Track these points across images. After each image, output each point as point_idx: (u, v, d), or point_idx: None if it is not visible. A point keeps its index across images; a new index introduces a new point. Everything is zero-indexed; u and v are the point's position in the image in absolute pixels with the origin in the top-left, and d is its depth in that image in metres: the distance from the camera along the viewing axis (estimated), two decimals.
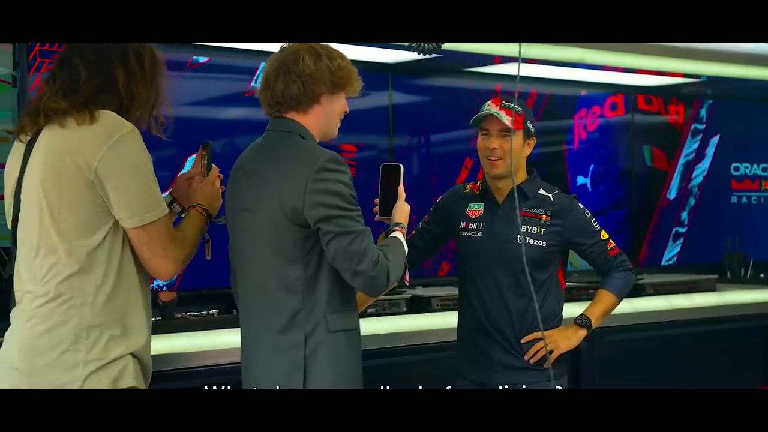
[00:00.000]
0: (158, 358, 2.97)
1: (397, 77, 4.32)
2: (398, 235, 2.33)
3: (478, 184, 2.92)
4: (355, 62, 4.27)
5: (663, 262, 5.29)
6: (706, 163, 5.46)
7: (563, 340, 2.81)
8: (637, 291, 4.27)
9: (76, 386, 2.11)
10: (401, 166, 2.46)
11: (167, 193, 2.46)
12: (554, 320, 2.85)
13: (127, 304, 2.18)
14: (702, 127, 5.46)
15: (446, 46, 2.96)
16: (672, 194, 5.35)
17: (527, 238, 2.77)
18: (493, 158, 2.77)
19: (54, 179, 2.14)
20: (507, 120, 2.73)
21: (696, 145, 5.45)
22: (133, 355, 2.18)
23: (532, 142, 2.84)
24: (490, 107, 2.78)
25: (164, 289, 3.45)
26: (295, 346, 2.24)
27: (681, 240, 5.37)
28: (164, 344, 3.05)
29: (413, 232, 3.01)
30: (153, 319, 3.17)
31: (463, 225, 2.88)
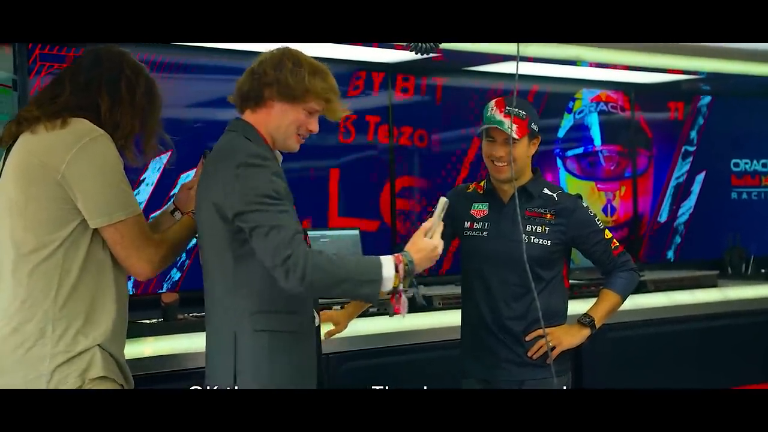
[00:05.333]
0: (160, 359, 3.01)
1: (396, 77, 4.33)
2: (385, 259, 2.16)
3: (482, 184, 2.92)
4: (354, 62, 4.29)
5: (664, 259, 5.29)
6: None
7: (566, 338, 2.82)
8: (639, 287, 4.26)
9: (43, 381, 2.14)
10: (444, 200, 2.28)
11: (170, 201, 2.52)
12: (559, 319, 2.86)
13: (94, 297, 2.21)
14: (701, 124, 5.47)
15: (445, 45, 2.97)
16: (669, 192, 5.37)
17: (532, 237, 2.78)
18: (499, 164, 2.77)
19: (22, 177, 2.20)
20: (513, 129, 2.72)
21: (693, 147, 5.45)
22: (100, 347, 2.20)
23: (537, 141, 2.84)
24: (494, 113, 2.75)
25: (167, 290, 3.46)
26: (228, 346, 2.22)
27: (681, 236, 5.38)
28: (166, 345, 3.07)
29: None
30: (155, 320, 3.24)
31: (467, 225, 2.87)
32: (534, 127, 2.79)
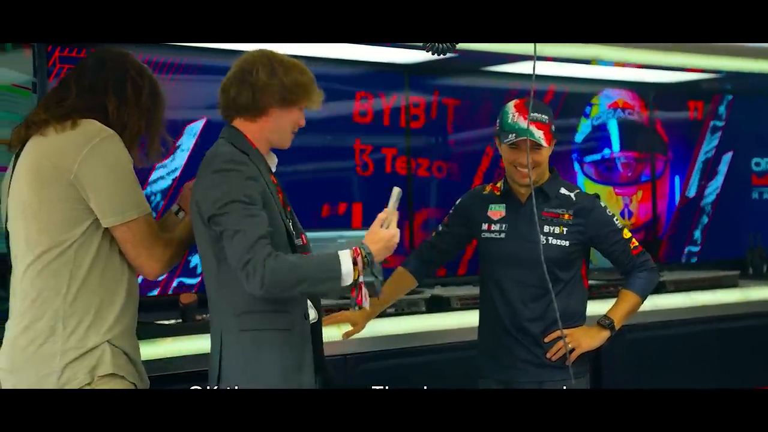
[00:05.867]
0: (179, 360, 3.02)
1: (413, 78, 4.33)
2: (343, 253, 2.20)
3: (498, 185, 2.91)
4: (370, 63, 4.29)
5: (683, 259, 5.26)
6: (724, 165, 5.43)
7: (585, 339, 2.80)
8: (659, 288, 4.24)
9: (54, 378, 2.17)
10: (397, 190, 2.33)
11: (175, 203, 2.54)
12: (578, 320, 2.85)
13: (104, 294, 2.23)
14: (721, 123, 5.43)
15: (461, 45, 2.96)
16: (691, 192, 5.32)
17: (550, 238, 2.77)
18: (524, 170, 2.73)
19: (34, 180, 2.22)
20: (541, 138, 2.70)
21: (715, 143, 5.41)
22: (110, 343, 2.22)
23: (555, 140, 2.83)
24: (518, 120, 2.70)
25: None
26: (216, 346, 2.27)
27: (708, 217, 5.34)
28: (185, 346, 3.07)
29: (432, 233, 3.01)
30: (174, 321, 3.25)
31: (485, 227, 2.86)
32: (553, 129, 2.79)
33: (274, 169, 2.39)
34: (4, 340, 2.27)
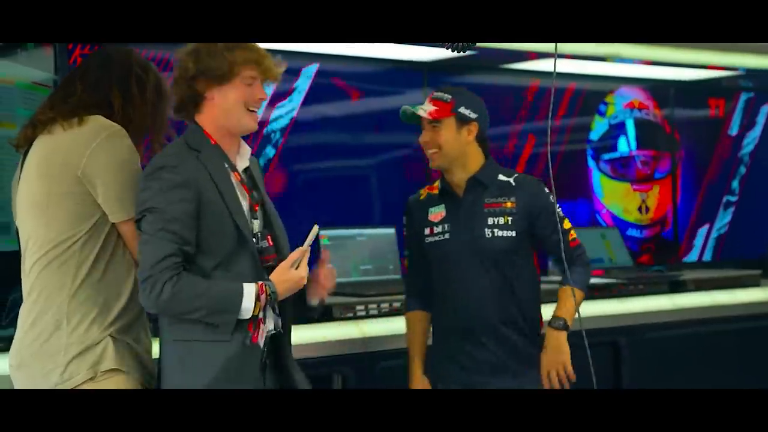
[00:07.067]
0: None
1: (432, 75, 4.32)
2: (248, 288, 2.15)
3: (435, 185, 2.79)
4: (390, 61, 4.29)
5: (705, 257, 5.23)
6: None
7: (559, 356, 2.66)
8: (678, 287, 4.22)
9: (57, 372, 2.18)
10: (315, 228, 2.28)
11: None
12: (536, 312, 2.76)
13: (109, 288, 2.23)
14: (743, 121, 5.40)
15: (481, 43, 2.95)
16: (713, 190, 5.29)
17: (495, 230, 2.66)
18: (429, 151, 2.68)
19: (44, 177, 2.23)
20: (424, 109, 2.66)
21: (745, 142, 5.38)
22: (113, 337, 2.21)
23: (474, 128, 2.68)
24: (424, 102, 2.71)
25: None
26: (160, 354, 2.24)
27: (722, 235, 5.31)
28: None
29: (405, 262, 2.89)
30: None
31: (427, 231, 2.74)
32: (464, 111, 2.68)
33: (244, 165, 2.31)
34: (15, 337, 2.29)
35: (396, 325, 3.11)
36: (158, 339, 2.26)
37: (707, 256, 5.25)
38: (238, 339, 2.17)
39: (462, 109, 2.68)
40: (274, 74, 2.28)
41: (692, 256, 5.17)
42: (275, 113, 3.84)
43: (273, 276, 2.21)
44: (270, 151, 3.85)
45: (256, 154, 3.79)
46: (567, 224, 2.74)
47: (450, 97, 2.68)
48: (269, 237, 2.28)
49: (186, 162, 2.18)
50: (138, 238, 2.15)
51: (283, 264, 2.23)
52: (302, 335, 2.81)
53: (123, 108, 2.30)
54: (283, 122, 3.86)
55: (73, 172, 2.20)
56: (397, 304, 3.25)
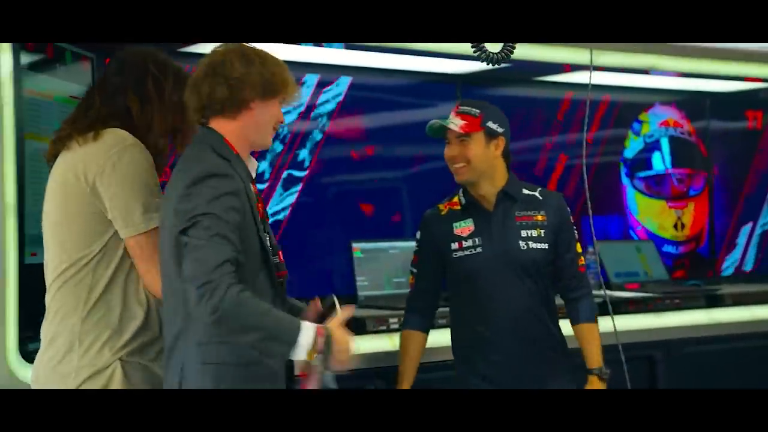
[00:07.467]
0: None
1: (465, 88, 4.30)
2: (306, 325, 1.97)
3: (456, 200, 2.76)
4: (423, 73, 4.28)
5: (742, 271, 5.15)
6: None
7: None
8: (715, 301, 4.16)
9: None
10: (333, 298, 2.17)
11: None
12: (557, 315, 2.75)
13: (122, 308, 2.19)
14: None
15: (515, 55, 2.94)
16: (749, 206, 5.22)
17: (530, 242, 2.66)
18: (456, 165, 2.66)
19: (59, 195, 2.22)
20: (455, 124, 2.63)
21: None
22: (123, 360, 2.18)
23: (501, 142, 2.68)
24: (450, 116, 2.68)
25: None
26: (174, 373, 2.07)
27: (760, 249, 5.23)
28: None
29: (410, 280, 2.83)
30: None
31: (455, 246, 2.69)
32: (492, 125, 2.67)
33: (254, 175, 2.21)
34: (38, 352, 2.28)
35: (430, 338, 3.08)
36: (165, 364, 2.12)
37: (748, 262, 5.15)
38: (269, 365, 2.08)
39: (490, 124, 2.68)
40: (296, 100, 2.23)
41: (734, 257, 5.08)
42: (310, 126, 3.86)
43: (331, 324, 2.04)
44: (305, 163, 3.86)
45: (290, 164, 3.85)
46: (579, 248, 2.76)
47: (478, 111, 2.67)
48: (280, 253, 2.18)
49: (229, 171, 2.06)
50: (189, 245, 1.96)
51: (337, 320, 2.05)
52: None
53: (142, 112, 2.26)
54: (330, 106, 3.90)
55: (85, 189, 2.18)
56: None
